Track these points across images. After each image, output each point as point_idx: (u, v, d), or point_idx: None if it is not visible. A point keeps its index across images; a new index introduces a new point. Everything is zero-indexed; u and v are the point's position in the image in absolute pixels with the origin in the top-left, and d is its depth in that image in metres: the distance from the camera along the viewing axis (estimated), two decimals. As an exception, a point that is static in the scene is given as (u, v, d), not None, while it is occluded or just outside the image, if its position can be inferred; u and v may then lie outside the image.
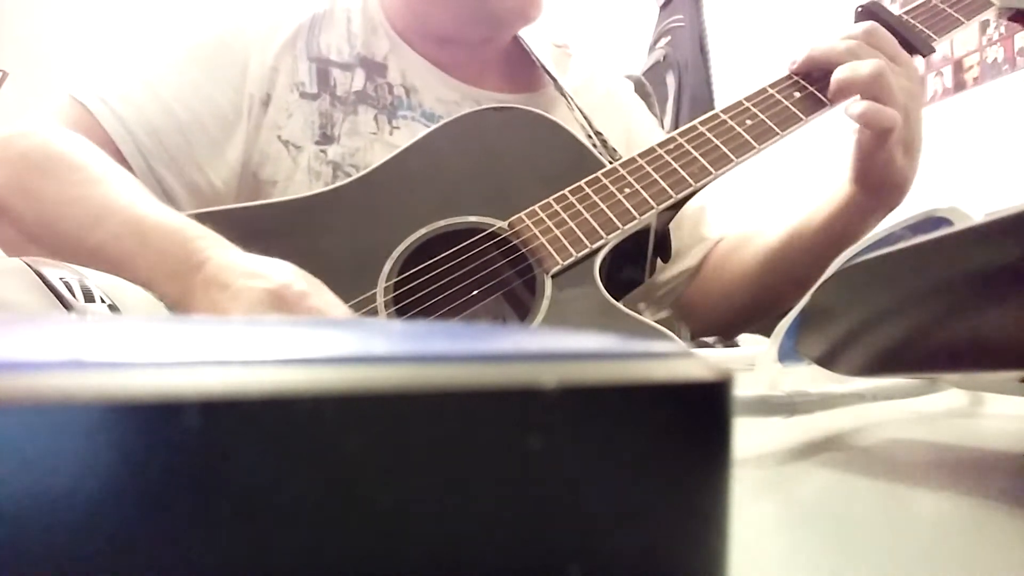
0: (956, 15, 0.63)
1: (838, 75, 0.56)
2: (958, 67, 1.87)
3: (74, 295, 0.33)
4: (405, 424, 0.07)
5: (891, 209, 0.61)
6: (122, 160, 0.57)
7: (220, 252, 0.43)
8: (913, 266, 0.18)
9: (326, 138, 0.62)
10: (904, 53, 0.58)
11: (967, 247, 0.16)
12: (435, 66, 0.67)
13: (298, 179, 0.61)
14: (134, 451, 0.07)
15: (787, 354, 0.27)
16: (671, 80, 2.32)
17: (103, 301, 0.35)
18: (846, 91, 0.56)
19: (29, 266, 0.32)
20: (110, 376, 0.07)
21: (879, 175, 0.58)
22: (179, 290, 0.42)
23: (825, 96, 0.57)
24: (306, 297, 0.41)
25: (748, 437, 0.24)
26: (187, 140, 0.60)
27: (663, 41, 2.42)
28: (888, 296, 0.19)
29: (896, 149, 0.56)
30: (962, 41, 1.85)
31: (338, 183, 0.57)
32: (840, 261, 0.24)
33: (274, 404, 0.07)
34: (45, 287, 0.32)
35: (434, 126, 0.59)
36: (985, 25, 1.81)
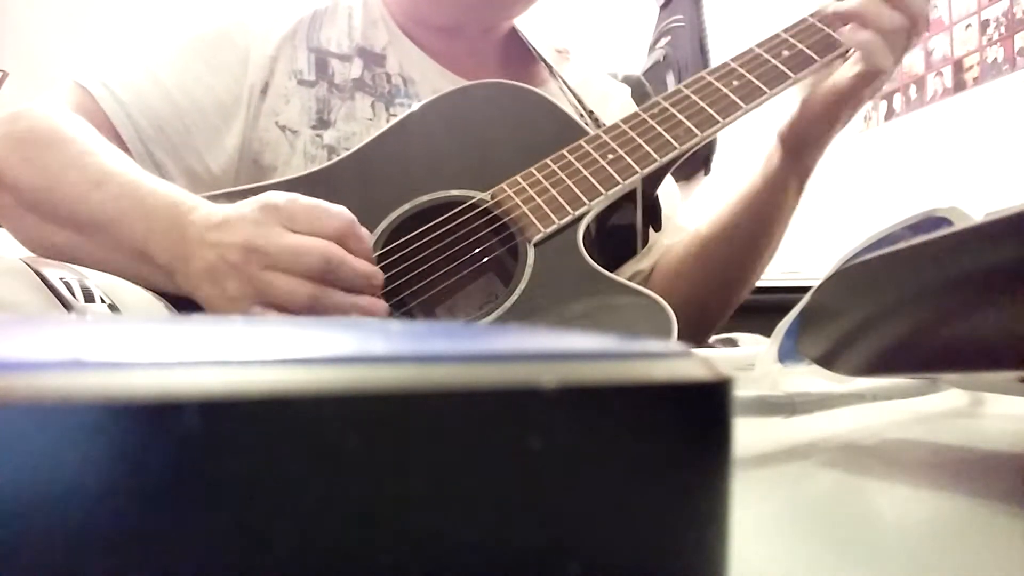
0: None
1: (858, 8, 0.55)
2: (958, 67, 1.87)
3: (74, 295, 0.33)
4: (405, 424, 0.07)
5: (799, 182, 0.62)
6: (121, 144, 0.58)
7: (205, 204, 0.45)
8: (913, 266, 0.18)
9: (322, 123, 0.62)
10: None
11: (967, 247, 0.16)
12: (433, 59, 0.68)
13: (294, 163, 0.61)
14: (134, 451, 0.07)
15: (787, 354, 0.27)
16: (671, 80, 2.32)
17: (103, 301, 0.35)
18: (859, 25, 0.55)
19: (29, 266, 0.32)
20: (110, 376, 0.07)
21: (817, 130, 0.59)
22: (175, 245, 0.44)
23: (817, 54, 0.57)
24: (295, 200, 0.43)
25: (748, 437, 0.24)
26: (186, 127, 0.60)
27: (663, 41, 2.42)
28: (888, 296, 0.19)
29: (855, 105, 0.57)
30: (962, 41, 1.85)
31: (324, 164, 0.57)
32: (840, 261, 0.24)
33: (274, 404, 0.07)
34: (45, 287, 0.32)
35: (418, 104, 0.59)
36: (985, 25, 1.81)
